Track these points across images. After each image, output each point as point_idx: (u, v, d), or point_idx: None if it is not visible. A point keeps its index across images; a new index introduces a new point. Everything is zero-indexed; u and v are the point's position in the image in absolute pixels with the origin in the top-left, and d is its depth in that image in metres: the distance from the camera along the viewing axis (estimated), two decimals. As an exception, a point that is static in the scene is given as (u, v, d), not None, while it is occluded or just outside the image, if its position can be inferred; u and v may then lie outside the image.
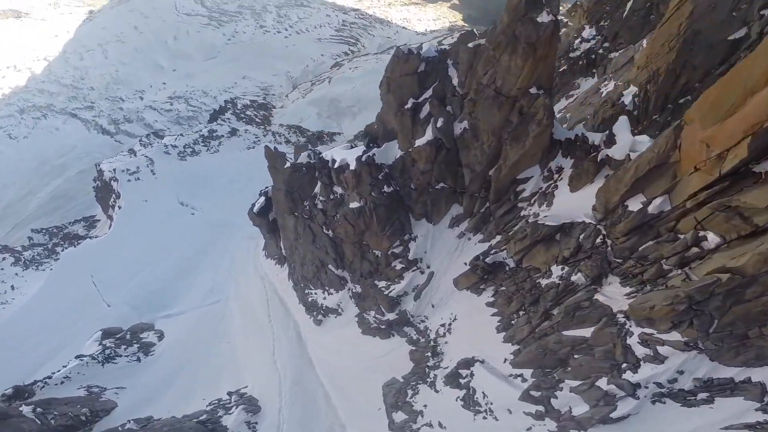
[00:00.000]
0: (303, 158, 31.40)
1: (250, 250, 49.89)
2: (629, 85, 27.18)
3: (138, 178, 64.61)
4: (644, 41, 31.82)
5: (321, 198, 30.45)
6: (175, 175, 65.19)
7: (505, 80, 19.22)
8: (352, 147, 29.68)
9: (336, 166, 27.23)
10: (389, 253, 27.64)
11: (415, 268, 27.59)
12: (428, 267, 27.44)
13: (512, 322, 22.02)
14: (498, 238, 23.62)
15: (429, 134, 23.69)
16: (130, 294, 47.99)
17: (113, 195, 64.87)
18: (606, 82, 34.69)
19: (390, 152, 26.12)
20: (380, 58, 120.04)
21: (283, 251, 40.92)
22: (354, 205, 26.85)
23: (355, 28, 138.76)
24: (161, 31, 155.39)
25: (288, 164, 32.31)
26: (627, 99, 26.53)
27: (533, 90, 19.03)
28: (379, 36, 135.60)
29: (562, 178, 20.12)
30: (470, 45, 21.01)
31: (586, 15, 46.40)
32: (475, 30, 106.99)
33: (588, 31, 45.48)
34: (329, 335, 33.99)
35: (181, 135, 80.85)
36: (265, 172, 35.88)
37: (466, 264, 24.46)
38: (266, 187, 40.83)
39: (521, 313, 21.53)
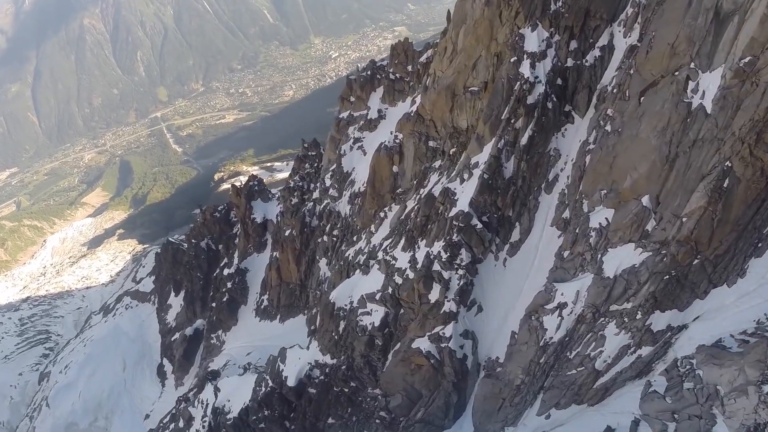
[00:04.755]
0: None
1: None
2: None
3: None
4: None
5: None
6: None
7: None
8: None
9: None
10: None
11: None
12: None
13: None
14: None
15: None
16: None
17: None
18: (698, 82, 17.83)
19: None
20: (86, 338, 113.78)
21: None
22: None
23: (37, 321, 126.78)
24: None
25: None
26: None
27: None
28: (68, 314, 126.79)
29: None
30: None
31: (514, 10, 26.43)
32: (168, 239, 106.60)
33: (535, 38, 24.51)
34: None
35: None
36: None
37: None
38: None
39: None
